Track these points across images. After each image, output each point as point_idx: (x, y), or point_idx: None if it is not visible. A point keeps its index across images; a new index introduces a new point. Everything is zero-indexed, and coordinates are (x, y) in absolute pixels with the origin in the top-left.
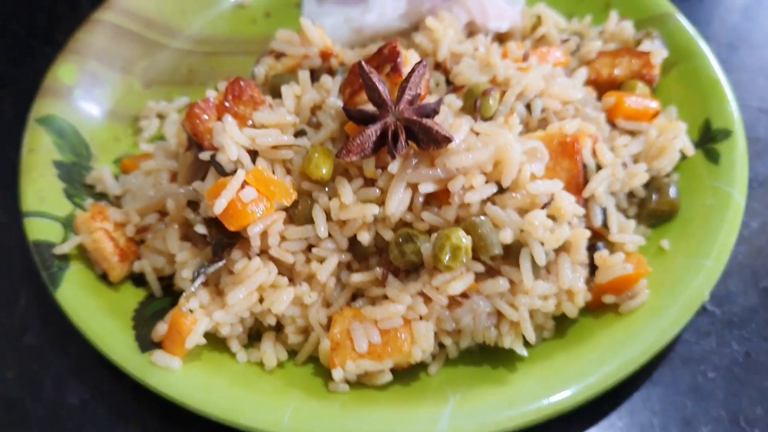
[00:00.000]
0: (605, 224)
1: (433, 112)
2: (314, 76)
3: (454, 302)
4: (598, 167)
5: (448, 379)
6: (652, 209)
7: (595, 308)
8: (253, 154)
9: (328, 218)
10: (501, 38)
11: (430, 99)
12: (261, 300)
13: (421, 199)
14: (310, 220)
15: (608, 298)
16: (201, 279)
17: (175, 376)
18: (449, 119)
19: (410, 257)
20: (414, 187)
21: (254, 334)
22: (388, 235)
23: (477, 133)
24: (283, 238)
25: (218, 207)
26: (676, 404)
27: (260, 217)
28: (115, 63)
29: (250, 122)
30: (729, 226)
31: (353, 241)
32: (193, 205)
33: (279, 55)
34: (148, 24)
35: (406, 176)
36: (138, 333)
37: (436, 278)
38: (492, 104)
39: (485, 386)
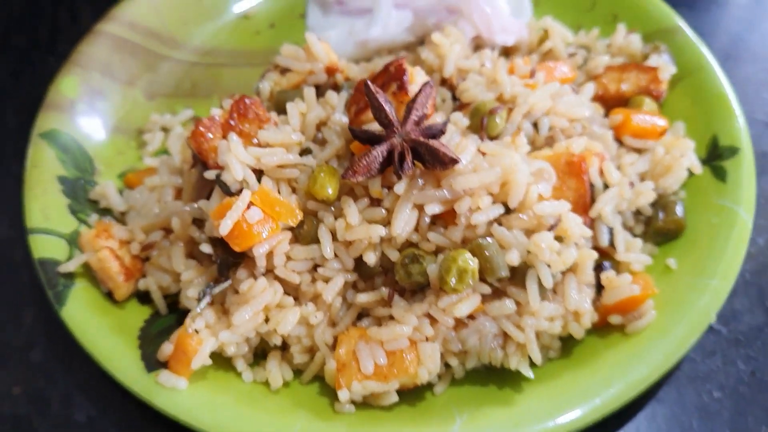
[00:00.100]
0: (612, 243)
1: (439, 132)
2: (319, 91)
3: (460, 323)
4: (605, 186)
5: (455, 400)
6: (659, 228)
7: (602, 328)
8: (259, 173)
9: (334, 238)
10: (508, 51)
11: (437, 117)
12: (267, 320)
13: (427, 220)
14: (316, 240)
15: (615, 319)
16: (207, 300)
17: (181, 396)
18: (456, 138)
19: (416, 278)
20: (420, 207)
21: (260, 353)
22: (394, 255)
23: (484, 154)
24: (288, 258)
25: (224, 228)
26: (682, 424)
27: (266, 238)
28: (118, 75)
29: (255, 140)
30: (735, 245)
31: (359, 261)
32: (198, 222)
33: (284, 71)
34: (151, 36)
35: (412, 197)
36: (144, 352)
37: (442, 300)
38: (499, 123)
39: (491, 407)
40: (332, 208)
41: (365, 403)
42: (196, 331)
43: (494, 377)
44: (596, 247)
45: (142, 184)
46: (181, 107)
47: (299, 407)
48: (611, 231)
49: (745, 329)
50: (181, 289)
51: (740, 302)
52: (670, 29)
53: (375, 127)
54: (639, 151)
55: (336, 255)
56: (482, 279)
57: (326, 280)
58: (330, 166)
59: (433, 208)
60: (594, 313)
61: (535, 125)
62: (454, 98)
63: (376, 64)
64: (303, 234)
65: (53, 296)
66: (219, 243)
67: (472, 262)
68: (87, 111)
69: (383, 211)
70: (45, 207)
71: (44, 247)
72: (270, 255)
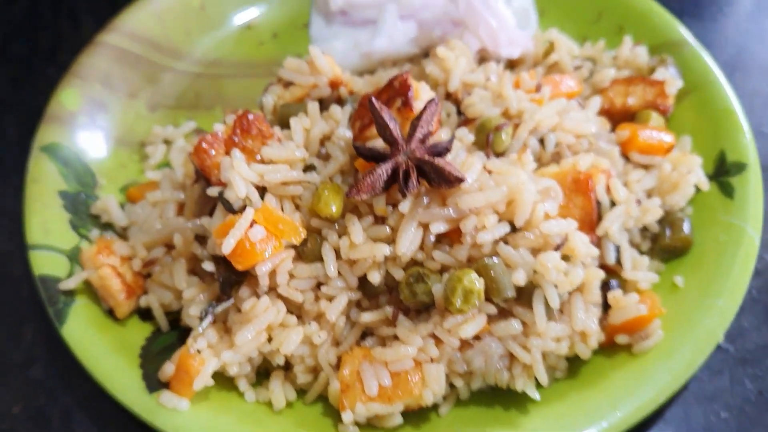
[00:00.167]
0: (619, 261)
1: (445, 150)
2: (323, 105)
3: (465, 344)
4: (612, 204)
5: (459, 421)
6: (666, 245)
7: (608, 347)
8: (262, 190)
9: (338, 256)
10: (513, 64)
11: (442, 133)
12: (270, 339)
13: (432, 239)
14: (320, 258)
15: (621, 338)
16: (209, 319)
17: (182, 417)
18: (461, 156)
19: (421, 298)
20: (425, 226)
21: (262, 372)
22: (398, 274)
23: (490, 172)
24: (292, 277)
25: (227, 247)
26: None
27: (269, 256)
28: (120, 87)
29: (258, 157)
30: (742, 263)
31: (363, 280)
32: (201, 239)
33: (287, 84)
34: (152, 46)
35: (417, 215)
36: (145, 372)
37: (447, 320)
38: (505, 139)
39: (497, 428)
40: (336, 226)
41: (369, 425)
42: (198, 351)
43: (500, 398)
44: (603, 265)
45: (144, 198)
46: (183, 119)
47: (302, 428)
48: (618, 249)
49: (752, 347)
50: (182, 306)
51: (747, 320)
52: (677, 42)
53: (379, 143)
54: (646, 167)
55: (340, 273)
56: (488, 299)
57: (330, 299)
58: (334, 184)
59: (439, 227)
60: (601, 333)
61: (542, 141)
62: (459, 113)
63: (380, 78)
64: (306, 252)
65: (54, 314)
66: (221, 261)
67: (477, 283)
68: (88, 124)
69: (388, 229)
70: (45, 222)
71: (45, 264)
72: (273, 273)
